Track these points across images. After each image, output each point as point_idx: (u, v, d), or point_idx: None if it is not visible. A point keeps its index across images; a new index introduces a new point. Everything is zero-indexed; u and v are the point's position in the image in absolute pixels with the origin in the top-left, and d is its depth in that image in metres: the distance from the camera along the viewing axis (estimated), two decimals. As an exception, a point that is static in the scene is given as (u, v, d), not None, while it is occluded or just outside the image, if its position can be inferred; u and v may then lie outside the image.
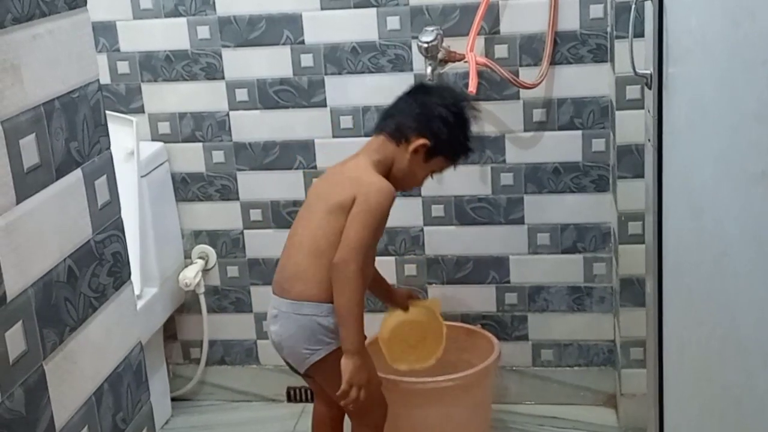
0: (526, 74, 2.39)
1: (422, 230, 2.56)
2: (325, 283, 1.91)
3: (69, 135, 1.17)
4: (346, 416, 2.11)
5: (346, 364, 1.88)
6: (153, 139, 2.58)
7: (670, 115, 1.37)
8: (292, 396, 2.72)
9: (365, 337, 1.95)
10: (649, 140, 1.46)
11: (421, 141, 1.98)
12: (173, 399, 2.73)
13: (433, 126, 1.99)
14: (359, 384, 1.89)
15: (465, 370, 2.19)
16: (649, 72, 1.42)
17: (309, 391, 2.66)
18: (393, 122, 2.02)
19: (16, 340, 1.05)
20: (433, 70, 2.34)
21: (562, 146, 2.44)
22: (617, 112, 2.28)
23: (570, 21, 2.36)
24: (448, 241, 2.55)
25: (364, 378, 1.90)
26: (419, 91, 2.07)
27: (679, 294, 1.38)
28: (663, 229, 1.44)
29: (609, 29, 2.34)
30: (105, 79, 2.52)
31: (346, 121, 2.49)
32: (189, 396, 2.76)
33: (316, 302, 1.93)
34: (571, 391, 2.60)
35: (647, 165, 1.47)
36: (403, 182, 2.04)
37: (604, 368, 2.57)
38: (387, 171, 2.01)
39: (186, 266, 2.65)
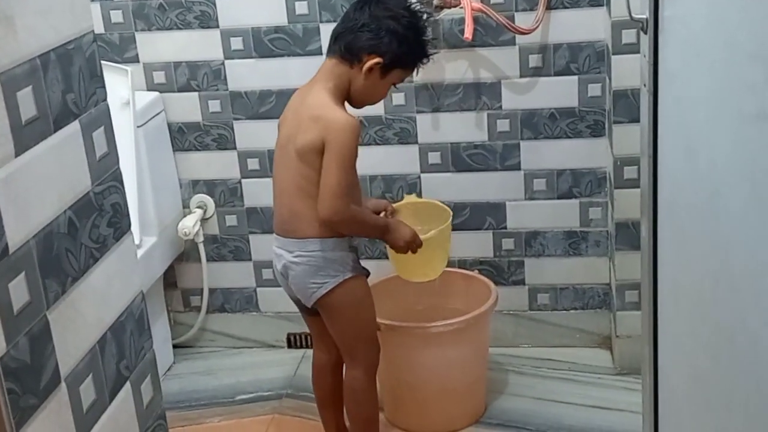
0: (522, 19, 2.38)
1: (419, 177, 2.57)
2: None
3: (65, 87, 1.17)
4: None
5: (391, 243, 2.04)
6: (148, 89, 2.58)
7: (665, 58, 1.38)
8: (293, 342, 2.75)
9: (383, 221, 2.06)
10: (644, 84, 1.46)
11: (374, 60, 1.93)
12: (175, 346, 2.76)
13: (383, 42, 1.93)
14: (405, 243, 2.03)
15: (463, 315, 2.22)
16: (644, 16, 1.42)
17: (309, 337, 2.70)
18: (342, 43, 1.96)
19: (19, 291, 1.07)
20: (428, 16, 2.33)
21: (558, 92, 2.44)
22: (613, 57, 2.27)
23: (565, -36, 2.34)
24: (445, 187, 2.56)
25: (408, 235, 2.03)
26: (366, 3, 1.97)
27: (673, 235, 1.40)
28: (658, 172, 1.45)
29: (604, -28, 2.32)
30: (98, 28, 2.51)
31: (342, 69, 2.48)
32: (190, 343, 2.79)
33: (319, 238, 1.95)
34: (566, 333, 2.63)
35: (643, 109, 1.48)
36: (364, 101, 2.02)
37: (599, 311, 2.60)
38: (345, 94, 1.98)
39: (184, 215, 2.66)
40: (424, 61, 2.03)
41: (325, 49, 2.45)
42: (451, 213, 2.22)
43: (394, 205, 2.20)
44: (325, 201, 1.90)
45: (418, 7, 2.04)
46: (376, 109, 2.41)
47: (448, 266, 2.49)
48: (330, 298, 1.98)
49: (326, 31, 2.45)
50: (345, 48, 1.95)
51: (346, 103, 2.00)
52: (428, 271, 2.22)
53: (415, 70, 2.04)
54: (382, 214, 2.13)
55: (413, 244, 2.04)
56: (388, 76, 1.98)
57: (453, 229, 2.31)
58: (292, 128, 1.97)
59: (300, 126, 1.94)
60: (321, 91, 1.95)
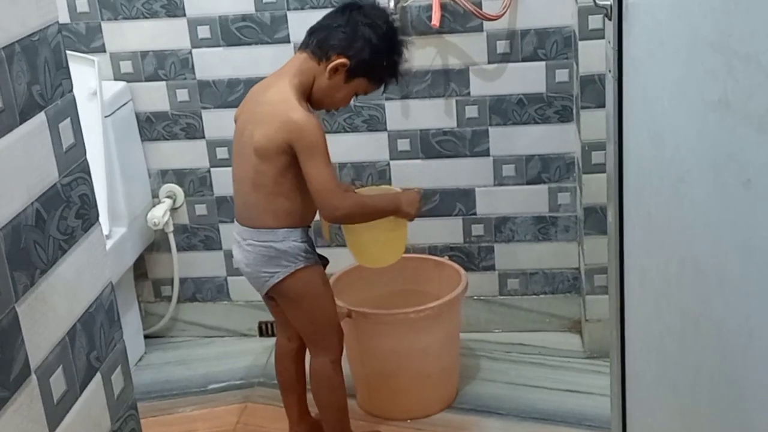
0: (489, 6, 2.39)
1: (388, 164, 2.57)
2: (279, 210, 1.95)
3: (31, 78, 1.17)
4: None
5: (406, 213, 2.04)
6: (116, 79, 2.56)
7: (630, 45, 1.39)
8: (264, 330, 2.75)
9: (392, 195, 2.08)
10: (609, 71, 1.47)
11: (341, 60, 1.92)
12: (146, 336, 2.76)
13: (355, 45, 1.92)
14: (414, 207, 2.05)
15: (433, 301, 2.23)
16: (609, 2, 1.43)
17: (281, 326, 2.70)
18: (316, 38, 1.96)
19: (-13, 284, 1.06)
20: (396, 3, 2.34)
21: (526, 77, 2.45)
22: (580, 43, 2.29)
23: (532, -49, 2.35)
24: (415, 174, 2.56)
25: (415, 202, 2.04)
26: (349, 8, 1.97)
27: (639, 221, 1.42)
28: (624, 158, 1.46)
29: (571, -42, 2.33)
30: (64, 18, 2.49)
31: (310, 57, 2.48)
32: (162, 333, 2.79)
33: (272, 228, 1.96)
34: (537, 317, 2.66)
35: (608, 95, 1.49)
36: (323, 102, 2.00)
37: (569, 295, 2.63)
38: (308, 91, 1.96)
39: (154, 205, 2.65)
40: (393, 80, 2.02)
41: (293, 38, 2.47)
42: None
43: (359, 190, 2.19)
44: (323, 203, 1.92)
45: (398, 27, 2.02)
46: (345, 97, 2.41)
47: (419, 253, 2.50)
48: (282, 287, 1.99)
49: (294, 19, 2.45)
50: (317, 44, 1.94)
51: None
52: (387, 256, 2.18)
53: (382, 86, 2.03)
54: None
55: (417, 209, 2.06)
56: (352, 83, 1.96)
57: (423, 216, 2.32)
58: (250, 122, 1.96)
59: (260, 121, 1.93)
60: (285, 87, 1.93)
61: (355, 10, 1.96)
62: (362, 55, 1.93)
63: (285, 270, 1.97)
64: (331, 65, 1.92)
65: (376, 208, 2.03)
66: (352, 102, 2.08)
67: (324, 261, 2.06)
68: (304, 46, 1.97)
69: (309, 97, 1.97)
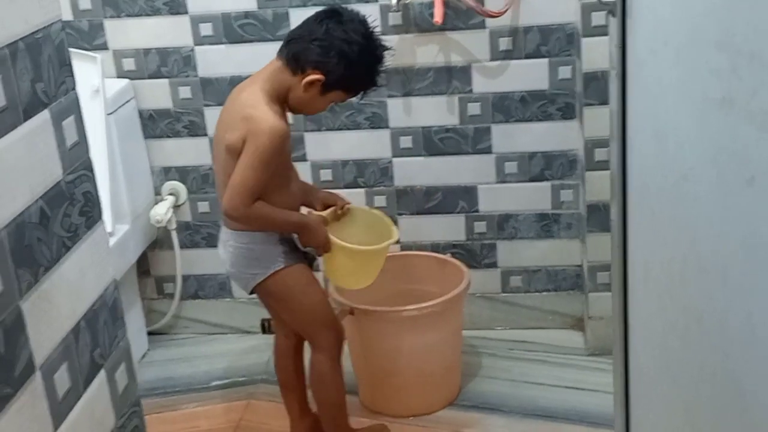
0: (492, 3, 2.38)
1: (391, 162, 2.57)
2: None
3: (34, 76, 1.17)
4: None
5: (303, 241, 2.01)
6: (118, 76, 2.56)
7: (633, 42, 1.39)
8: (266, 327, 2.73)
9: (297, 217, 2.01)
10: (613, 68, 1.47)
11: (316, 76, 1.90)
12: (149, 333, 2.76)
13: (331, 61, 1.89)
14: (316, 245, 2.00)
15: (436, 299, 2.23)
16: (613, 0, 1.43)
17: (283, 323, 2.71)
18: (293, 49, 1.93)
19: (-9, 281, 1.06)
20: (398, 0, 2.34)
21: (529, 75, 2.45)
22: (583, 39, 2.29)
23: (535, -52, 2.35)
24: (417, 171, 2.56)
25: (321, 238, 1.99)
26: (327, 18, 1.93)
27: (643, 218, 1.42)
28: (627, 155, 1.46)
29: (574, -44, 2.33)
30: (67, 15, 2.49)
31: (313, 54, 2.48)
32: (165, 330, 2.79)
33: (248, 231, 1.97)
34: (539, 315, 2.65)
35: (611, 93, 1.49)
36: (300, 110, 2.00)
37: (571, 293, 2.63)
38: (282, 98, 1.95)
39: (156, 203, 2.65)
40: (369, 89, 2.01)
41: (295, 35, 2.46)
42: (394, 240, 2.09)
43: (350, 206, 2.12)
44: (226, 196, 1.91)
45: (377, 35, 1.98)
46: (348, 94, 2.41)
47: (421, 250, 2.50)
48: (265, 288, 2.01)
49: (296, 16, 2.45)
50: (292, 56, 1.92)
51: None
52: (350, 282, 2.14)
53: (356, 95, 2.01)
54: (331, 209, 2.08)
55: (321, 248, 2.01)
56: (328, 95, 1.95)
57: (426, 213, 2.31)
58: (223, 123, 1.97)
59: (230, 123, 1.93)
60: (257, 92, 1.92)
61: (333, 22, 1.92)
62: (337, 71, 1.90)
63: (264, 271, 1.98)
64: (305, 80, 1.91)
65: (277, 224, 1.97)
66: (354, 99, 2.05)
67: (305, 260, 2.05)
68: (280, 53, 1.96)
69: (284, 101, 1.95)
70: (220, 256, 2.06)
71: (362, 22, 1.96)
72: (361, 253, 2.05)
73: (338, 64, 1.90)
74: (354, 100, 2.06)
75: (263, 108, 1.90)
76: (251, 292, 2.04)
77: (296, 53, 1.92)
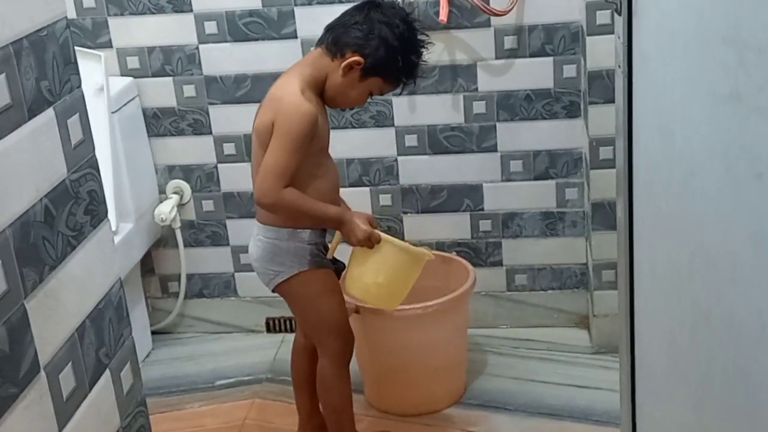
0: (497, 1, 2.38)
1: (396, 160, 2.57)
2: None
3: (39, 74, 1.16)
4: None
5: (345, 234, 1.93)
6: (122, 74, 2.56)
7: (639, 39, 1.38)
8: (272, 326, 2.75)
9: (334, 211, 1.92)
10: (619, 66, 1.46)
11: (355, 58, 1.88)
12: (154, 332, 2.76)
13: (371, 44, 1.88)
14: (362, 238, 1.90)
15: (441, 297, 2.23)
16: (618, -3, 1.42)
17: (288, 322, 2.70)
18: (332, 35, 1.92)
19: (-4, 280, 1.06)
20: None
21: (534, 73, 2.44)
22: (588, 38, 2.28)
23: (539, -55, 2.34)
24: (422, 170, 2.56)
25: (361, 233, 1.90)
26: (367, 5, 1.93)
27: (649, 215, 1.41)
28: (633, 152, 1.46)
29: (578, -47, 2.32)
30: (71, 13, 2.49)
31: (317, 52, 2.48)
32: (169, 329, 2.79)
33: (275, 226, 1.95)
34: (544, 313, 2.65)
35: (617, 90, 1.48)
36: (336, 100, 1.96)
37: (576, 291, 2.62)
38: (320, 86, 1.93)
39: (161, 201, 2.65)
40: (409, 80, 1.98)
41: (300, 33, 2.46)
42: (429, 257, 1.98)
43: (380, 233, 1.95)
44: (256, 181, 1.87)
45: (419, 26, 1.97)
46: (352, 93, 2.41)
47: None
48: (286, 287, 1.98)
49: (301, 14, 2.45)
50: (332, 40, 1.92)
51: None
52: (379, 294, 1.99)
53: (399, 86, 1.98)
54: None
55: (368, 241, 1.91)
56: (366, 81, 1.93)
57: (431, 212, 2.29)
58: (259, 109, 1.95)
59: (262, 108, 1.92)
60: (293, 76, 1.92)
61: (374, 8, 1.92)
62: (377, 54, 1.89)
63: (290, 270, 1.96)
64: (345, 62, 1.89)
65: (312, 214, 1.90)
66: (368, 101, 2.03)
67: (334, 266, 2.02)
68: (320, 42, 1.95)
69: (322, 93, 1.94)
70: (249, 249, 2.03)
71: (402, 10, 1.97)
72: (405, 255, 1.95)
73: (378, 48, 1.89)
74: (390, 95, 2.01)
75: (293, 90, 1.87)
76: (273, 290, 2.02)
77: (336, 37, 1.91)
